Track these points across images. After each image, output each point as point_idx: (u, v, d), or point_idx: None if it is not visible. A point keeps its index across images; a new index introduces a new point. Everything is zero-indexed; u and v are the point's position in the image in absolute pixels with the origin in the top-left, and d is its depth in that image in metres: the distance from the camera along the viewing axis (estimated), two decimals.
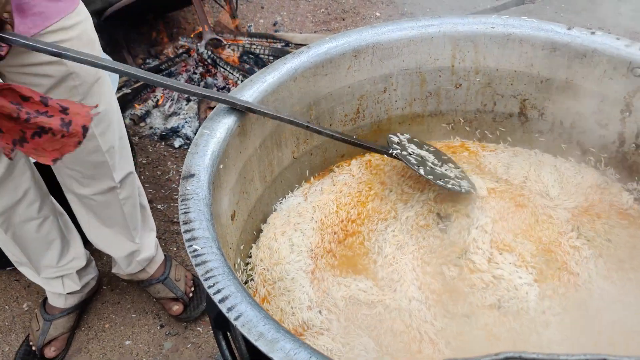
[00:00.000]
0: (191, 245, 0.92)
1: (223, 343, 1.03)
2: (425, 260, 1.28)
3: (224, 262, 0.89)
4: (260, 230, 1.39)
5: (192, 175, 1.06)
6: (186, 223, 0.96)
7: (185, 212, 0.98)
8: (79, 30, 1.47)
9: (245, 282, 1.29)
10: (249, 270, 1.31)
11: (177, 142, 2.89)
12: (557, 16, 3.61)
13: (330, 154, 1.55)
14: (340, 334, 1.14)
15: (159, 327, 2.03)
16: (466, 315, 1.14)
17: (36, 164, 1.75)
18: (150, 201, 2.56)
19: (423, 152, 1.46)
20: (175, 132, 2.93)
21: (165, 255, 2.07)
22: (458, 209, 1.38)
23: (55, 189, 1.82)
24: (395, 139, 1.46)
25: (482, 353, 0.64)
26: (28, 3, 1.34)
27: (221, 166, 1.14)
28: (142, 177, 2.68)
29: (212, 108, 2.37)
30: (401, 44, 1.45)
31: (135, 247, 1.89)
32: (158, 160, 2.77)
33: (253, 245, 1.36)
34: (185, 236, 0.94)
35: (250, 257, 1.34)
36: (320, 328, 1.15)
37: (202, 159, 1.10)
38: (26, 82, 1.41)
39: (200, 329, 2.00)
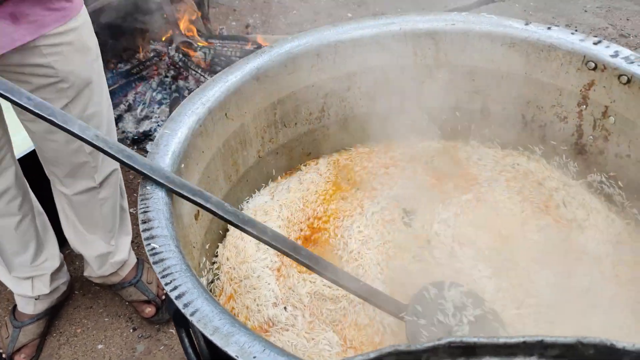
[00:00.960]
0: (149, 244, 0.92)
1: (186, 340, 1.03)
2: (389, 254, 1.29)
3: (182, 259, 0.90)
4: (227, 229, 1.39)
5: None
6: (145, 222, 0.96)
7: (145, 212, 0.99)
8: (73, 36, 1.47)
9: (212, 282, 1.30)
10: (216, 269, 1.32)
11: (150, 146, 2.88)
12: (526, 14, 3.66)
13: (296, 153, 1.56)
14: (305, 329, 1.15)
15: (131, 330, 2.02)
16: None
17: (20, 160, 1.75)
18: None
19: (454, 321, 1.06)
20: (147, 135, 2.92)
21: (137, 258, 2.07)
22: (423, 203, 1.40)
23: (36, 187, 1.82)
24: (426, 295, 1.09)
25: None
26: (23, 12, 1.34)
27: (182, 166, 1.14)
28: None
29: None
30: (363, 42, 1.47)
31: (110, 249, 1.89)
32: None
33: (219, 244, 1.36)
34: (144, 235, 0.94)
35: (216, 256, 1.34)
36: (285, 324, 1.16)
37: (162, 159, 1.11)
38: (12, 79, 1.41)
39: (173, 331, 2.00)
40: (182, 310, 0.81)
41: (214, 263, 1.33)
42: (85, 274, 2.01)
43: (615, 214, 1.35)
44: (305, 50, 1.43)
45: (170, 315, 0.99)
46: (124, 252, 1.94)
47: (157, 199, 1.01)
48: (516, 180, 1.45)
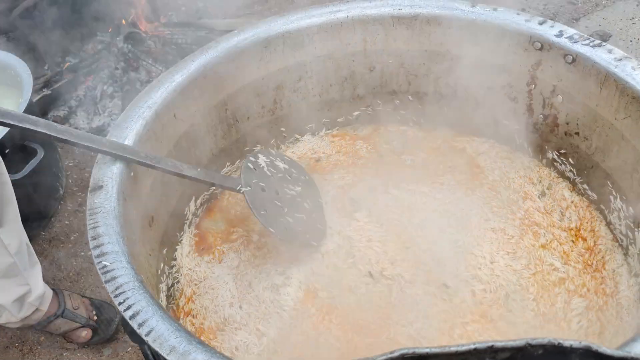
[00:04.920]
0: (100, 262, 0.90)
1: (149, 353, 1.02)
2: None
3: (134, 276, 0.88)
4: (184, 231, 1.37)
5: (100, 187, 1.04)
6: (95, 238, 0.94)
7: (94, 227, 0.96)
8: None
9: (172, 285, 1.28)
10: (175, 272, 1.30)
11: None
12: None
13: (250, 147, 1.54)
14: (260, 327, 1.15)
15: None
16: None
17: None
18: (80, 205, 2.49)
19: (276, 180, 1.32)
20: (101, 131, 2.85)
21: (53, 289, 1.93)
22: (377, 190, 1.41)
23: None
24: (250, 164, 1.29)
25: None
26: None
27: (132, 174, 1.11)
28: (70, 181, 2.60)
29: None
30: (311, 31, 1.44)
31: (27, 289, 1.72)
32: (85, 162, 2.68)
33: (177, 247, 1.34)
34: (94, 252, 0.92)
35: (175, 259, 1.32)
36: (239, 323, 1.16)
37: (110, 169, 1.08)
38: None
39: None
40: (137, 331, 0.79)
41: (172, 267, 1.31)
42: (1, 322, 1.78)
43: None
44: (253, 42, 1.40)
45: (126, 332, 0.98)
46: (39, 285, 1.76)
47: (106, 213, 0.99)
48: (470, 161, 1.47)
